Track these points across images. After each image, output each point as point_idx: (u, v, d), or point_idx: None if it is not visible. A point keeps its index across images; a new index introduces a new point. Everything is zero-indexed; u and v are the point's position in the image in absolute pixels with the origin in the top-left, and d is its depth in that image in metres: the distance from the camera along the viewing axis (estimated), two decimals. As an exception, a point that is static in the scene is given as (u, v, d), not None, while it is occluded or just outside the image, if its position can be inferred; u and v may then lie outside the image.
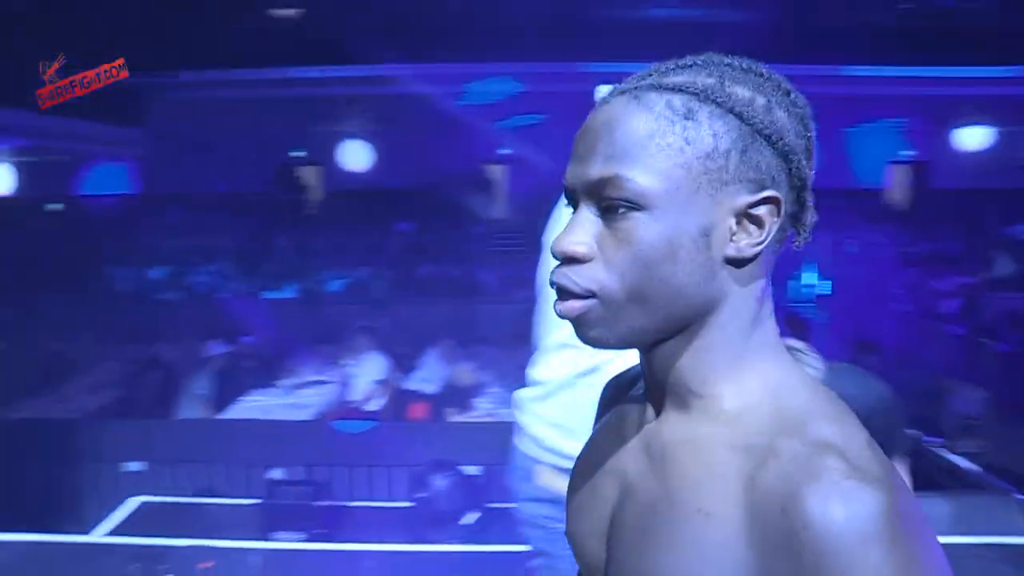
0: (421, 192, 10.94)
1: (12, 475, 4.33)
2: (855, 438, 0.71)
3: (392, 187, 14.20)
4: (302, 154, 17.89)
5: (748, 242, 0.74)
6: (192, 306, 9.07)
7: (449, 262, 10.73)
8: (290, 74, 14.70)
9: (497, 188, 13.85)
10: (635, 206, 0.73)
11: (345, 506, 3.80)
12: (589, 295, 0.75)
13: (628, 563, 0.79)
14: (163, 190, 12.54)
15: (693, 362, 0.77)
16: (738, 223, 0.74)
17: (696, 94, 0.74)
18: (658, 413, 0.82)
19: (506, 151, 11.91)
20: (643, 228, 0.72)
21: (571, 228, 0.76)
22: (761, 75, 0.77)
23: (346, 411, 5.27)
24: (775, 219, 0.74)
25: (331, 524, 3.42)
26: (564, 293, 0.76)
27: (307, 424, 4.77)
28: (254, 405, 5.44)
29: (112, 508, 4.00)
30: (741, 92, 0.75)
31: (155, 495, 4.15)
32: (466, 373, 5.73)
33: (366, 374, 5.62)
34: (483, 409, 5.66)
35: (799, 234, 0.79)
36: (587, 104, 0.86)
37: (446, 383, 5.73)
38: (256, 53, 12.78)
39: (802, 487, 0.66)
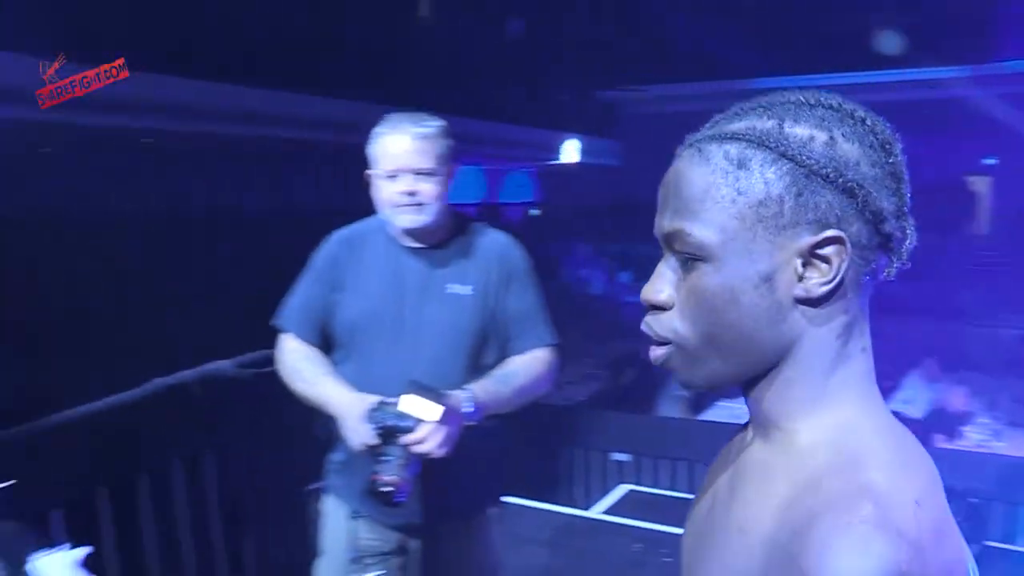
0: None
1: (521, 449, 4.82)
2: (904, 490, 0.69)
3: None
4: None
5: (817, 282, 0.73)
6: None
7: (929, 278, 9.95)
8: (751, 86, 14.66)
9: (980, 200, 12.59)
10: (698, 257, 0.75)
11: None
12: (667, 342, 0.79)
13: (688, 570, 0.86)
14: (633, 199, 13.26)
15: (775, 397, 0.78)
16: (805, 264, 0.74)
17: (751, 141, 0.74)
18: (754, 437, 0.84)
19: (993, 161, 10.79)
20: (707, 278, 0.75)
21: (654, 278, 0.80)
22: (830, 107, 0.76)
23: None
24: (843, 257, 0.73)
25: None
26: (650, 340, 0.81)
27: None
28: (728, 410, 5.52)
29: (602, 493, 4.28)
30: (799, 132, 0.74)
31: (639, 485, 4.36)
32: (958, 398, 5.31)
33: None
34: (973, 439, 5.23)
35: (892, 262, 0.77)
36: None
37: (932, 407, 5.35)
38: (711, 66, 12.93)
39: (818, 518, 0.67)
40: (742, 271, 0.74)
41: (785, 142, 0.74)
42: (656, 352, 0.81)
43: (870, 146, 0.75)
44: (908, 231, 0.77)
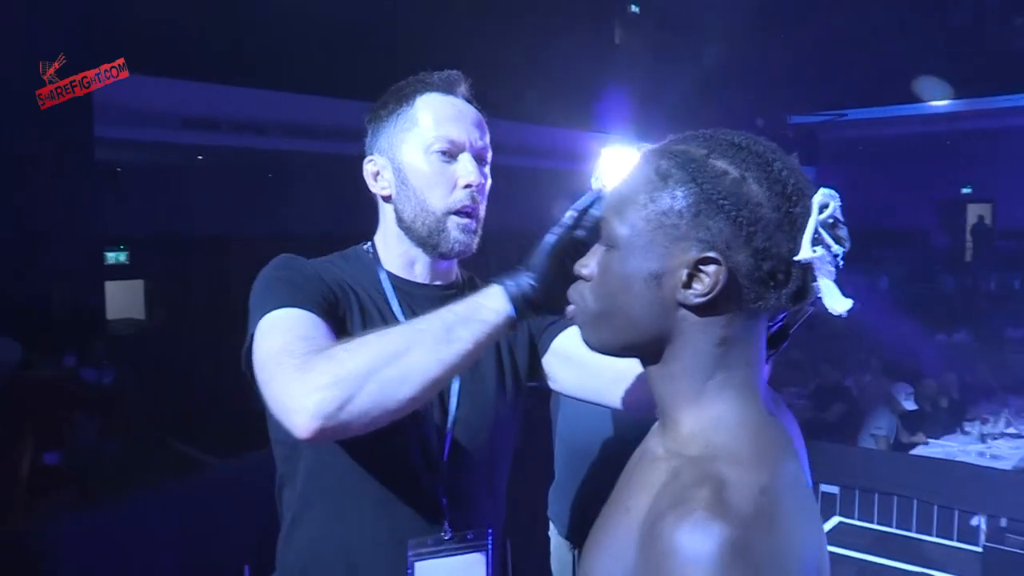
0: None
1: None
2: (747, 481, 0.77)
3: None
4: (968, 191, 16.96)
5: (694, 292, 0.83)
6: (861, 338, 9.14)
7: None
8: (957, 108, 14.05)
9: None
10: (612, 245, 0.89)
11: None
12: (577, 304, 0.94)
13: (586, 551, 0.94)
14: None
15: (665, 388, 0.90)
16: (690, 275, 0.83)
17: (678, 161, 0.85)
18: (658, 426, 0.96)
19: None
20: (614, 264, 0.88)
21: (589, 254, 0.95)
22: (755, 153, 0.85)
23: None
24: (719, 278, 0.82)
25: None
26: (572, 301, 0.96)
27: (1014, 474, 4.57)
28: (939, 449, 5.37)
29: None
30: (718, 165, 0.84)
31: (848, 518, 4.35)
32: None
33: (1077, 436, 5.17)
34: None
35: (781, 302, 0.85)
36: None
37: None
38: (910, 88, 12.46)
39: (670, 508, 0.76)
40: (638, 265, 0.86)
41: (701, 170, 0.84)
42: (569, 309, 0.96)
43: (778, 193, 0.83)
44: (795, 277, 0.84)
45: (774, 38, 10.82)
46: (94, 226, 7.59)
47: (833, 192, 0.86)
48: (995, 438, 5.52)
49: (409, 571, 1.30)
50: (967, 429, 5.72)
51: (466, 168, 1.34)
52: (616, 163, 1.89)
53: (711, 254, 0.82)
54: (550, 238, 1.14)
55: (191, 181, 10.56)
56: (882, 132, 14.33)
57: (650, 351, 0.90)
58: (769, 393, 0.93)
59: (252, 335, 1.19)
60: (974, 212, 16.85)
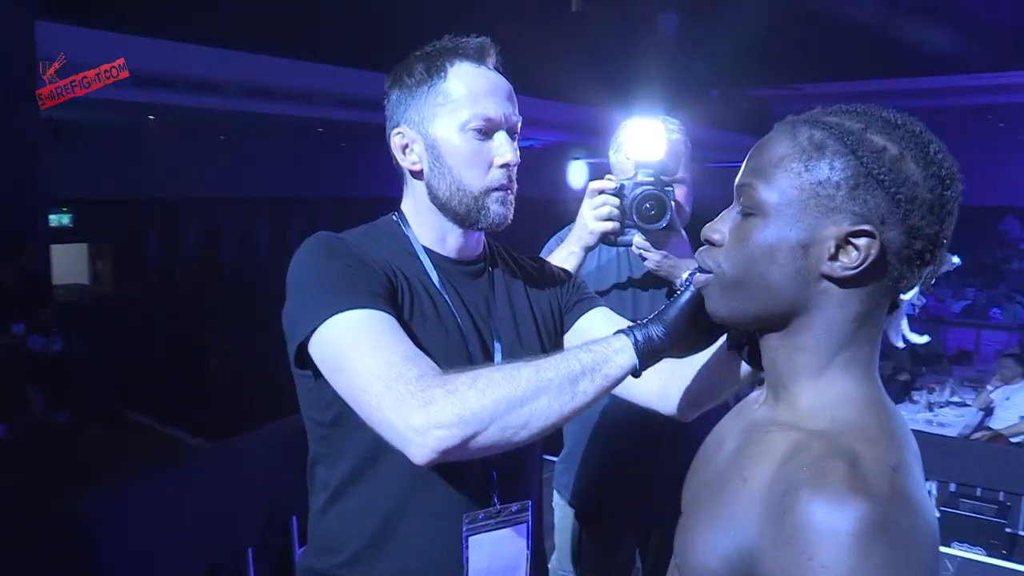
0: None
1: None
2: (882, 458, 0.76)
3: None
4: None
5: (842, 265, 0.82)
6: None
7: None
8: (913, 85, 14.26)
9: None
10: (755, 211, 0.86)
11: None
12: (711, 272, 0.91)
13: (686, 519, 0.94)
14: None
15: (787, 359, 0.88)
16: (838, 247, 0.82)
17: (834, 133, 0.84)
18: (766, 396, 0.94)
19: None
20: (756, 230, 0.86)
21: (718, 219, 0.92)
22: (912, 132, 0.84)
23: (991, 439, 5.06)
24: (871, 252, 0.81)
25: (1011, 546, 3.37)
26: (700, 269, 0.94)
27: (962, 441, 4.69)
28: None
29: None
30: (877, 140, 0.83)
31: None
32: None
33: (1016, 405, 5.35)
34: None
35: (915, 280, 0.84)
36: None
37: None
38: (877, 64, 12.60)
39: (805, 480, 0.75)
40: (785, 234, 0.84)
41: (861, 144, 0.83)
42: (699, 277, 0.94)
43: (932, 175, 0.83)
44: (937, 258, 0.84)
45: (731, 9, 10.83)
46: (38, 187, 7.40)
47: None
48: (941, 407, 5.68)
49: (464, 545, 1.29)
50: (915, 398, 5.88)
51: (503, 147, 1.31)
52: (640, 135, 1.88)
53: (866, 227, 0.81)
54: (685, 295, 1.11)
55: (141, 141, 10.34)
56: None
57: (779, 321, 0.88)
58: None
59: (313, 331, 1.15)
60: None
